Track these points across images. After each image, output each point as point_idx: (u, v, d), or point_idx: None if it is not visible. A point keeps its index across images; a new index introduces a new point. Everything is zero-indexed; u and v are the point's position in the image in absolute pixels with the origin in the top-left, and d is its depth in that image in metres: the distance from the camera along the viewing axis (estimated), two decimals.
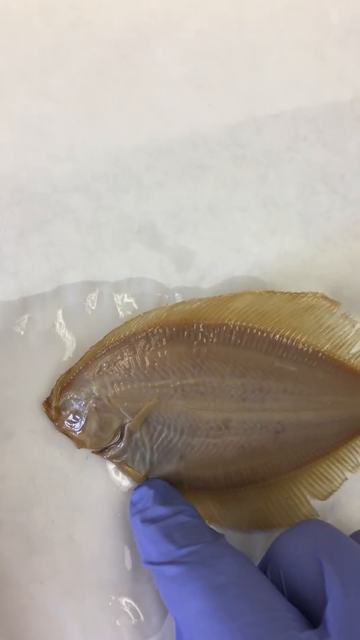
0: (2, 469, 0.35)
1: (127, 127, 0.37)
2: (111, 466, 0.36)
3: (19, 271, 0.37)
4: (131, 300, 0.37)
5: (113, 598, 0.36)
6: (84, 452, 0.36)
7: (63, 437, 0.35)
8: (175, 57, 0.38)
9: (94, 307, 0.37)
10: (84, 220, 0.37)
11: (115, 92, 0.37)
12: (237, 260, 0.38)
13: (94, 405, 0.34)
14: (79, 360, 0.35)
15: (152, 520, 0.31)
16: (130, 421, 0.34)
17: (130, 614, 0.36)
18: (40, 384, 0.36)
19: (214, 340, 0.34)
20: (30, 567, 0.35)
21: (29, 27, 0.38)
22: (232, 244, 0.38)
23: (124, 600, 0.36)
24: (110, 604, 0.36)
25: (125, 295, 0.37)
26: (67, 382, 0.35)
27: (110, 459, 0.35)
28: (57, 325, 0.37)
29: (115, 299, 0.37)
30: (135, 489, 0.34)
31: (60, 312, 0.37)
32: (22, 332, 0.36)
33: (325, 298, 0.35)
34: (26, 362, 0.36)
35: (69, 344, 0.37)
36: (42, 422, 0.36)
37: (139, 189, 0.37)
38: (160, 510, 0.32)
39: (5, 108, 0.37)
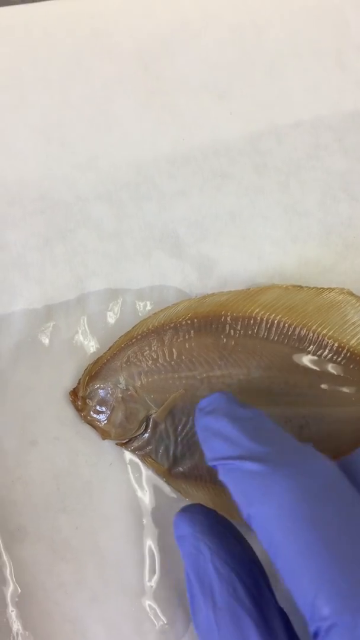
0: (27, 477, 0.36)
1: (149, 136, 0.39)
2: (135, 474, 0.36)
3: (43, 279, 0.38)
4: (153, 307, 0.38)
5: (137, 604, 0.37)
6: (108, 459, 0.37)
7: (87, 445, 0.37)
8: (196, 66, 0.39)
9: (117, 315, 0.38)
10: (106, 228, 0.39)
11: (137, 102, 0.39)
12: (259, 268, 0.39)
13: (121, 395, 0.35)
14: (107, 351, 0.36)
15: (229, 418, 0.29)
16: (155, 412, 0.34)
17: (154, 619, 0.37)
18: (64, 391, 0.37)
19: (241, 332, 0.35)
20: (56, 573, 0.36)
21: (52, 37, 0.39)
22: (254, 251, 0.39)
23: (148, 606, 0.36)
24: (134, 609, 0.37)
25: (148, 303, 0.38)
26: (95, 372, 0.36)
27: (134, 450, 0.36)
28: (81, 332, 0.38)
29: (137, 306, 0.38)
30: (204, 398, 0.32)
31: (83, 320, 0.38)
32: (47, 340, 0.38)
33: (352, 294, 0.36)
34: (50, 369, 0.37)
35: (92, 351, 0.38)
36: (66, 430, 0.37)
37: (161, 198, 0.39)
38: (239, 411, 0.30)
39: (28, 118, 0.39)
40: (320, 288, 0.36)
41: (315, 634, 0.23)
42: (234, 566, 0.29)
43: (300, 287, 0.36)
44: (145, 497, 0.37)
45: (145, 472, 0.37)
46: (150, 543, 0.37)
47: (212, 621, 0.29)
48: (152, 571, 0.37)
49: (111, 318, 0.38)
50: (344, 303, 0.36)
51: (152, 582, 0.37)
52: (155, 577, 0.37)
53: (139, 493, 0.37)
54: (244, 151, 0.39)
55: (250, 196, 0.39)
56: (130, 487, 0.37)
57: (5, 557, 0.35)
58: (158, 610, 0.37)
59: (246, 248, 0.39)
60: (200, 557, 0.30)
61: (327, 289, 0.36)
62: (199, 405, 0.31)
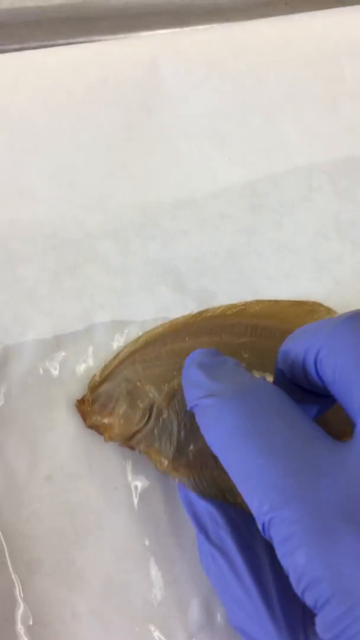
0: (42, 511, 0.38)
1: (153, 179, 0.41)
2: (145, 508, 0.38)
3: (52, 311, 0.41)
4: None
5: (147, 630, 0.38)
6: (120, 495, 0.38)
7: (100, 480, 0.38)
8: (197, 114, 0.42)
9: (122, 345, 0.40)
10: (113, 264, 0.41)
11: (142, 146, 0.42)
12: None
13: (125, 388, 0.37)
14: (112, 358, 0.39)
15: (198, 366, 0.32)
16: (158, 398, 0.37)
17: None
18: (75, 421, 0.39)
19: (234, 330, 0.39)
20: (70, 603, 0.38)
21: (63, 84, 0.42)
22: (250, 286, 0.42)
23: (155, 632, 0.37)
24: (144, 635, 0.38)
25: None
26: (102, 378, 0.38)
27: (138, 444, 0.37)
28: (89, 362, 0.40)
29: None
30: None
31: (90, 350, 0.40)
32: (56, 370, 0.40)
33: (322, 305, 0.40)
34: (60, 400, 0.39)
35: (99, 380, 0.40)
36: (79, 465, 0.38)
37: (164, 236, 0.41)
38: (208, 359, 0.33)
39: (41, 161, 0.42)
40: (297, 300, 0.40)
41: (263, 530, 0.26)
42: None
43: (277, 300, 0.40)
44: (154, 531, 0.38)
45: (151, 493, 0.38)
46: (156, 573, 0.38)
47: (209, 554, 0.32)
48: (159, 598, 0.38)
49: (117, 348, 0.40)
50: (318, 312, 0.40)
51: (158, 609, 0.37)
52: (161, 603, 0.38)
53: (151, 527, 0.38)
54: (241, 194, 0.41)
55: (247, 235, 0.41)
56: (141, 521, 0.38)
57: (19, 590, 0.37)
58: (161, 636, 0.37)
59: (242, 283, 0.41)
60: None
61: (303, 301, 0.40)
62: (186, 361, 0.34)
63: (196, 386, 0.31)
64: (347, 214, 0.42)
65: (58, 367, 0.40)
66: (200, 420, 0.30)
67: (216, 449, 0.28)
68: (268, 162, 0.42)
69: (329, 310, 0.40)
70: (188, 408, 0.31)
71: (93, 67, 0.42)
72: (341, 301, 0.42)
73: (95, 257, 0.41)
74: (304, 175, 0.42)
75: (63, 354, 0.40)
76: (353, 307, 0.41)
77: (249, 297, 0.41)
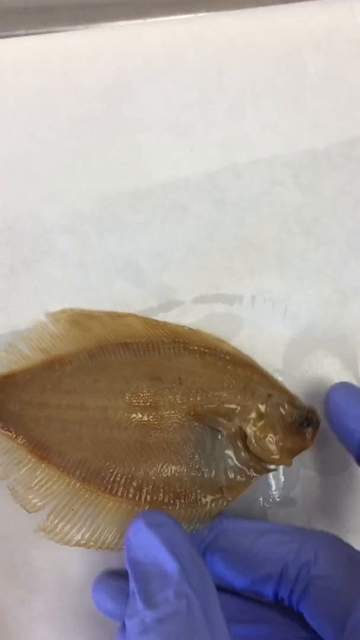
0: None
1: (113, 171, 0.41)
2: None
3: (7, 307, 0.40)
4: None
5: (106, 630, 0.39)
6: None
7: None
8: (158, 105, 0.42)
9: None
10: (71, 259, 0.41)
11: (101, 138, 0.41)
12: (217, 298, 0.41)
13: None
14: None
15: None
16: None
17: None
18: None
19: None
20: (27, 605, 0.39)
21: (20, 74, 0.41)
22: (212, 282, 0.41)
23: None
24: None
25: None
26: None
27: None
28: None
29: None
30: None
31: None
32: None
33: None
34: None
35: None
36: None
37: (124, 230, 0.41)
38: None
39: None
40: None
41: None
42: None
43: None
44: None
45: None
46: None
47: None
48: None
49: None
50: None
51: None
52: None
53: None
54: (203, 187, 0.41)
55: (209, 230, 0.41)
56: None
57: None
58: None
59: (205, 279, 0.41)
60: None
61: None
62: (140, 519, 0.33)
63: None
64: (310, 208, 0.42)
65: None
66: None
67: None
68: (230, 154, 0.41)
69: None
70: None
71: (52, 58, 0.41)
72: (304, 297, 0.42)
73: (52, 252, 0.40)
74: (267, 169, 0.42)
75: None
76: (315, 303, 0.41)
77: (211, 293, 0.41)
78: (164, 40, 0.42)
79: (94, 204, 0.40)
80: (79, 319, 0.39)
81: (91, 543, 0.36)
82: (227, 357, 0.39)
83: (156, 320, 0.40)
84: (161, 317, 0.40)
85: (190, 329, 0.40)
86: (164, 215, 0.41)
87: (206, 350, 0.39)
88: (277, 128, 0.42)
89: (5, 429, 0.37)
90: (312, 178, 0.42)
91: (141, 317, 0.40)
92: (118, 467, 0.37)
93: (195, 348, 0.39)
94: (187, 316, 0.41)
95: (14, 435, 0.37)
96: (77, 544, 0.36)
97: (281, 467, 0.40)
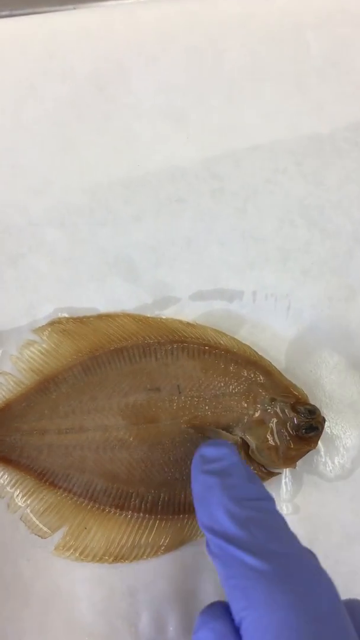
0: None
1: (104, 160, 0.39)
2: None
3: None
4: None
5: None
6: None
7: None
8: (152, 89, 0.40)
9: None
10: (59, 253, 0.39)
11: (92, 125, 0.40)
12: (215, 294, 0.40)
13: None
14: None
15: (235, 494, 0.30)
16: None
17: None
18: None
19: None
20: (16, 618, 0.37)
21: (3, 57, 0.40)
22: (210, 277, 0.40)
23: None
24: None
25: None
26: None
27: None
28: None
29: None
30: (208, 445, 0.33)
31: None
32: None
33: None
34: None
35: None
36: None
37: (116, 223, 0.40)
38: (247, 488, 0.31)
39: None
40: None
41: None
42: None
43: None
44: None
45: None
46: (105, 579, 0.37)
47: None
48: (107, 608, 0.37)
49: None
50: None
51: (105, 619, 0.37)
52: (108, 613, 0.37)
53: None
54: (200, 176, 0.40)
55: (207, 221, 0.40)
56: None
57: None
58: None
59: (202, 274, 0.40)
60: None
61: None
62: (202, 452, 0.33)
63: (230, 517, 0.29)
64: (314, 198, 0.40)
65: None
66: (225, 568, 0.29)
67: (252, 634, 0.27)
68: (228, 141, 0.40)
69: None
70: (205, 530, 0.30)
71: (38, 40, 0.40)
72: (308, 293, 0.40)
73: (39, 246, 0.39)
74: (268, 157, 0.40)
75: (3, 350, 0.38)
76: (320, 299, 0.39)
77: (209, 289, 0.39)
78: (156, 21, 0.40)
79: (84, 195, 0.39)
80: (68, 328, 0.38)
81: (106, 557, 0.37)
82: (227, 355, 0.37)
83: (151, 318, 0.38)
84: (156, 314, 0.39)
85: (188, 323, 0.38)
86: (159, 206, 0.39)
87: (205, 348, 0.37)
88: (279, 113, 0.40)
89: (8, 462, 0.37)
90: (316, 166, 0.40)
91: (134, 315, 0.38)
92: (123, 485, 0.37)
93: (194, 347, 0.37)
94: (184, 313, 0.39)
95: (19, 467, 0.37)
96: (93, 559, 0.37)
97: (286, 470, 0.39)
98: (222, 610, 0.31)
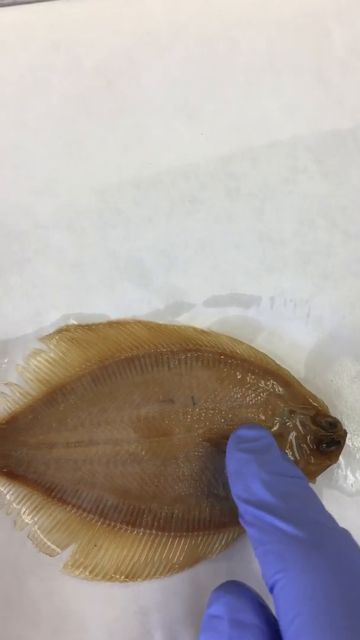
0: None
1: (113, 159, 0.38)
2: None
3: None
4: None
5: None
6: None
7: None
8: (164, 83, 0.39)
9: None
10: (67, 258, 0.38)
11: (100, 121, 0.38)
12: (231, 300, 0.38)
13: None
14: None
15: (271, 472, 0.31)
16: None
17: None
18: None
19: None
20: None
21: (5, 48, 0.38)
22: (226, 282, 0.39)
23: None
24: None
25: None
26: None
27: None
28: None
29: None
30: (244, 427, 0.34)
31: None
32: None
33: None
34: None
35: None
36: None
37: (126, 225, 0.39)
38: (283, 464, 0.32)
39: None
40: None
41: None
42: None
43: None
44: None
45: None
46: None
47: None
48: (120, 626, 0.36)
49: None
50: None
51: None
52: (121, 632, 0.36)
53: None
54: (215, 175, 0.38)
55: (222, 223, 0.38)
56: None
57: None
58: None
59: (218, 278, 0.38)
60: None
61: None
62: (238, 433, 0.34)
63: (268, 490, 0.30)
64: (335, 198, 0.39)
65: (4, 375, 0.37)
66: (260, 534, 0.29)
67: (287, 597, 0.27)
68: (245, 138, 0.38)
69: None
70: (240, 502, 0.31)
71: (42, 30, 0.38)
72: (329, 298, 0.38)
73: (45, 250, 0.38)
74: (287, 154, 0.38)
75: (6, 360, 0.37)
76: (342, 305, 0.38)
77: (225, 295, 0.38)
78: (168, 10, 0.39)
79: (92, 196, 0.38)
80: (76, 336, 0.37)
81: (117, 575, 0.36)
82: (244, 365, 0.36)
83: (163, 325, 0.37)
84: (169, 321, 0.38)
85: (202, 330, 0.37)
86: (171, 207, 0.38)
87: (221, 357, 0.36)
88: (298, 107, 0.39)
89: (15, 477, 0.36)
90: (337, 164, 0.39)
91: (146, 322, 0.37)
92: (135, 501, 0.36)
93: (209, 356, 0.36)
94: (198, 320, 0.38)
95: (26, 482, 0.36)
96: (104, 578, 0.36)
97: None
98: (236, 586, 0.32)
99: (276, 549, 0.28)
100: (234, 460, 0.33)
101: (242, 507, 0.31)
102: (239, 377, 0.36)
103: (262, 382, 0.36)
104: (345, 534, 0.29)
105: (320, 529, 0.29)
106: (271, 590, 0.28)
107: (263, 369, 0.36)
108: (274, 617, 0.31)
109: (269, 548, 0.29)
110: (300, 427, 0.36)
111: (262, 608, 0.31)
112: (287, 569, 0.27)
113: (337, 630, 0.25)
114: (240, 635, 0.30)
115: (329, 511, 0.37)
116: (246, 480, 0.31)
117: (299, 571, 0.27)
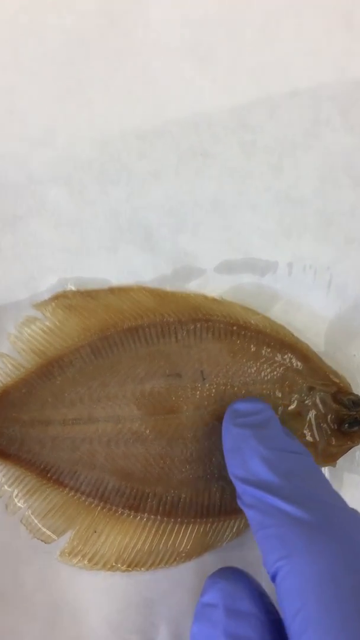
0: None
1: (116, 106, 0.37)
2: None
3: None
4: None
5: None
6: None
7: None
8: (174, 22, 0.36)
9: None
10: (64, 216, 0.37)
11: (102, 64, 0.36)
12: (245, 266, 0.37)
13: None
14: None
15: (271, 443, 0.30)
16: None
17: None
18: None
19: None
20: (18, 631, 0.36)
21: None
22: (240, 246, 0.37)
23: None
24: None
25: None
26: None
27: None
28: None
29: None
30: (241, 400, 0.33)
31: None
32: None
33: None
34: None
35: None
36: None
37: (130, 181, 0.37)
38: (284, 440, 0.31)
39: None
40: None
41: None
42: None
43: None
44: None
45: None
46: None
47: None
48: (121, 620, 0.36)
49: None
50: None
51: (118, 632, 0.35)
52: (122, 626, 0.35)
53: None
54: (229, 126, 0.37)
55: (237, 180, 0.37)
56: None
57: None
58: None
59: (231, 241, 0.37)
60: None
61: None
62: (235, 406, 0.33)
63: (268, 467, 0.29)
64: None
65: None
66: (260, 515, 0.28)
67: (292, 584, 0.26)
68: (263, 86, 0.36)
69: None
70: (237, 481, 0.30)
71: None
72: (353, 265, 0.37)
73: (41, 208, 0.36)
74: (308, 104, 0.36)
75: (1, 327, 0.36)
76: None
77: (238, 260, 0.37)
78: None
79: (93, 148, 0.36)
80: (74, 303, 0.36)
81: (118, 564, 0.35)
82: (259, 337, 0.35)
83: (170, 292, 0.36)
84: (177, 288, 0.36)
85: (213, 298, 0.36)
86: (180, 161, 0.37)
87: (234, 329, 0.35)
88: (322, 52, 0.36)
89: (7, 456, 0.34)
90: None
91: (151, 289, 0.36)
92: (138, 484, 0.35)
93: (221, 327, 0.35)
94: (209, 287, 0.37)
95: (19, 462, 0.35)
96: (104, 567, 0.35)
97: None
98: (232, 572, 0.31)
99: (278, 533, 0.27)
100: (231, 436, 0.32)
101: (240, 487, 0.30)
102: (253, 350, 0.35)
103: (279, 355, 0.35)
104: (354, 515, 0.28)
105: (327, 510, 0.28)
106: (273, 578, 0.27)
107: (279, 342, 0.35)
108: (274, 606, 0.31)
109: (270, 532, 0.28)
110: (320, 406, 0.35)
111: (260, 596, 0.31)
112: (291, 555, 0.26)
113: (347, 624, 0.24)
114: (236, 624, 0.29)
115: (350, 497, 0.35)
116: (244, 457, 0.30)
117: (304, 557, 0.26)
